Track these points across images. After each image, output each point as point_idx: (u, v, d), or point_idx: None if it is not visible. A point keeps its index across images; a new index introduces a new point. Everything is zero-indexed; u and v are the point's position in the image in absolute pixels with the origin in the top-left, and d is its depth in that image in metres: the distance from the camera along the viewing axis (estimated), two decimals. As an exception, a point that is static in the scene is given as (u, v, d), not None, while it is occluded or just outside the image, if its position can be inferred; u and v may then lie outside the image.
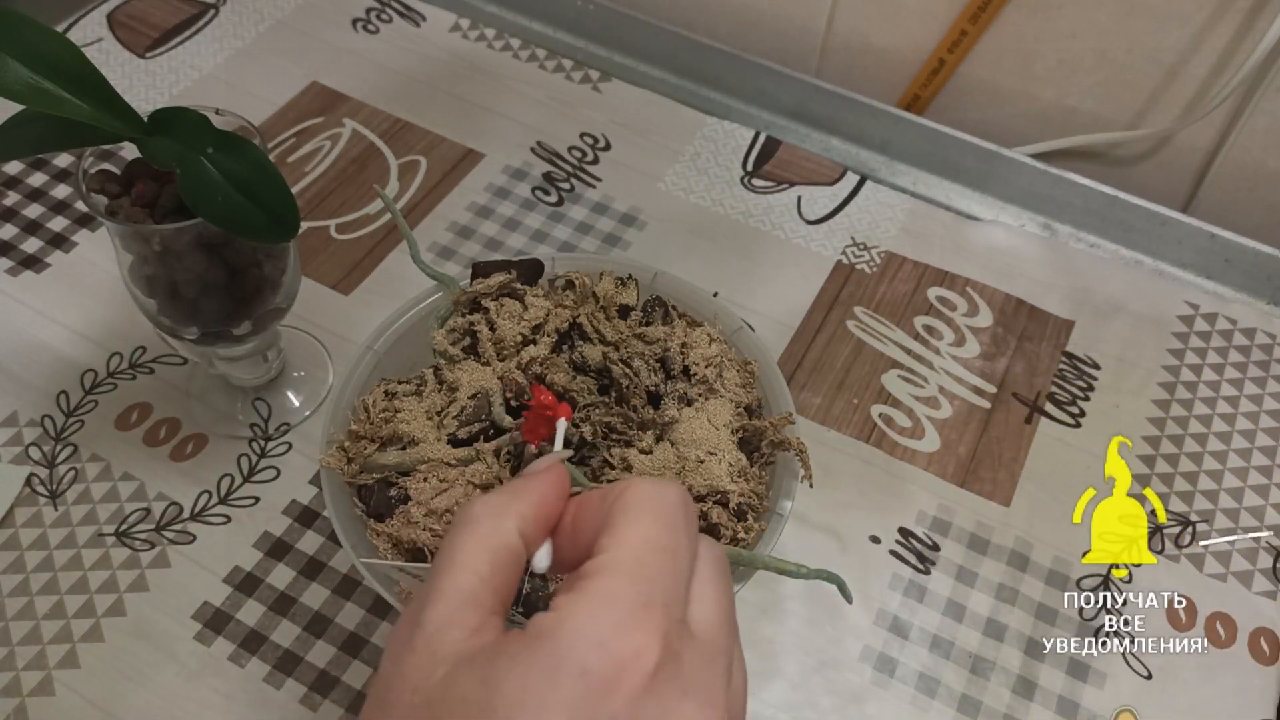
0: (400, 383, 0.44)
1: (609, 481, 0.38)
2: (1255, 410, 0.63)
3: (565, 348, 0.43)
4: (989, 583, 0.55)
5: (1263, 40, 0.63)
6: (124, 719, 0.48)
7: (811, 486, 0.44)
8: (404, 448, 0.40)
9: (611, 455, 0.39)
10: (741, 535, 0.38)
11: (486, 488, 0.38)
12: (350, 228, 0.69)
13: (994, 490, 0.58)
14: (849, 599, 0.37)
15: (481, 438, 0.40)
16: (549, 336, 0.43)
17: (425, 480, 0.39)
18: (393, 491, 0.39)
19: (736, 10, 0.82)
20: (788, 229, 0.70)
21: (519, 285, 0.45)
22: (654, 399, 0.42)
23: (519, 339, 0.42)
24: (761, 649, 0.52)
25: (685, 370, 0.42)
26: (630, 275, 0.46)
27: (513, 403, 0.40)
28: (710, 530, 0.38)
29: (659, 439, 0.41)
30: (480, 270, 0.45)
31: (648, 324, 0.44)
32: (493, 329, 0.43)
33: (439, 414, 0.41)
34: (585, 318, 0.43)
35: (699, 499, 0.38)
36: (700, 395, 0.42)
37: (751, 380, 0.43)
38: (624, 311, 0.44)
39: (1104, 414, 0.62)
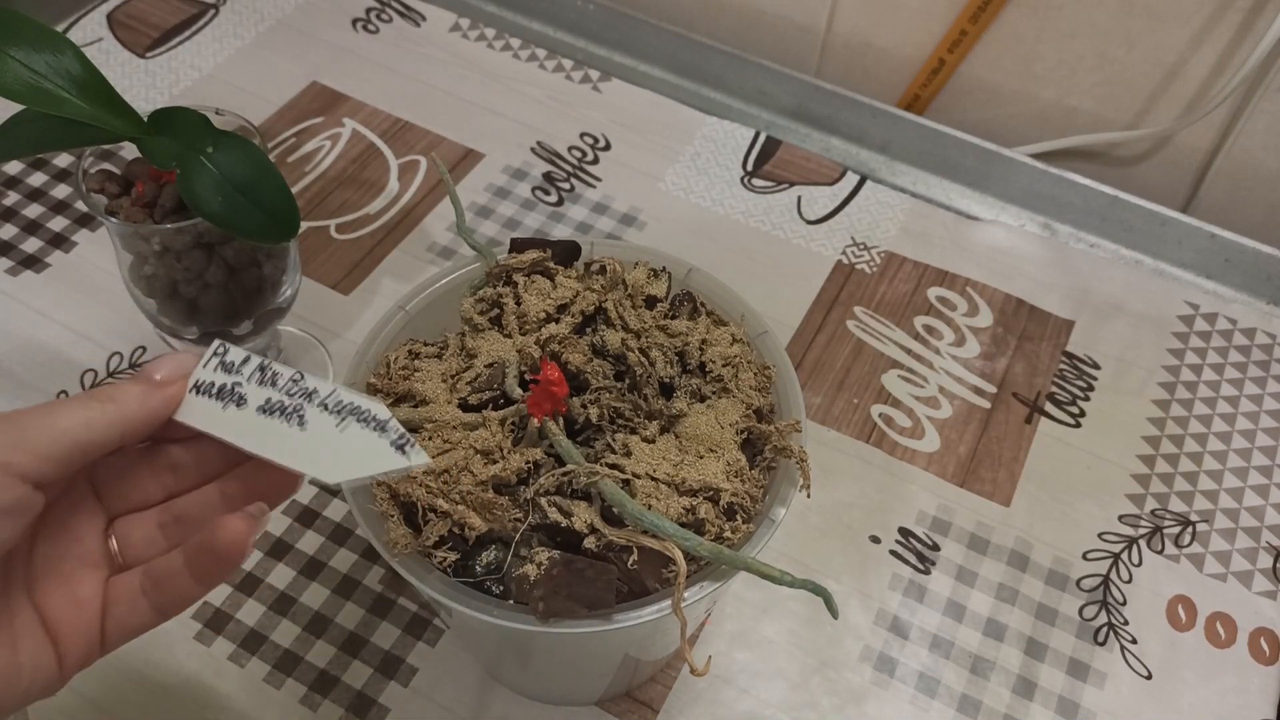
0: (425, 345, 0.44)
1: (609, 465, 0.38)
2: (1255, 410, 0.63)
3: (588, 330, 0.43)
4: (989, 583, 0.55)
5: (1263, 40, 0.63)
6: (124, 719, 0.48)
7: (809, 497, 0.45)
8: (415, 406, 0.41)
9: (615, 440, 0.40)
10: (728, 534, 0.38)
11: (487, 453, 0.39)
12: (350, 228, 0.69)
13: (994, 490, 0.58)
14: (835, 614, 0.37)
15: (490, 406, 0.40)
16: (573, 317, 0.43)
17: (430, 439, 0.39)
18: None
19: (736, 10, 0.82)
20: (788, 229, 0.70)
21: (552, 265, 0.45)
22: (667, 390, 0.42)
23: (542, 315, 0.43)
24: (761, 649, 0.52)
25: (702, 366, 0.43)
26: (664, 268, 0.47)
27: (526, 376, 0.41)
28: (696, 525, 0.38)
29: (664, 430, 0.41)
30: (517, 246, 0.46)
31: (673, 317, 0.45)
32: (519, 303, 0.43)
33: (454, 377, 0.42)
34: (611, 303, 0.43)
35: (690, 493, 0.39)
36: (713, 393, 0.42)
37: (768, 384, 0.44)
38: (651, 302, 0.45)
39: (1104, 414, 0.62)
